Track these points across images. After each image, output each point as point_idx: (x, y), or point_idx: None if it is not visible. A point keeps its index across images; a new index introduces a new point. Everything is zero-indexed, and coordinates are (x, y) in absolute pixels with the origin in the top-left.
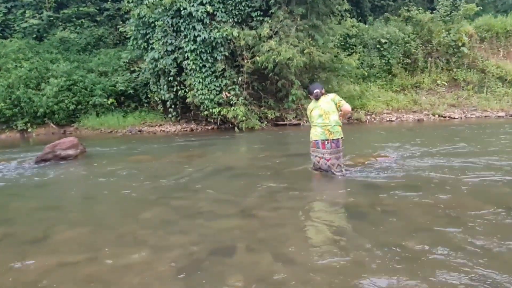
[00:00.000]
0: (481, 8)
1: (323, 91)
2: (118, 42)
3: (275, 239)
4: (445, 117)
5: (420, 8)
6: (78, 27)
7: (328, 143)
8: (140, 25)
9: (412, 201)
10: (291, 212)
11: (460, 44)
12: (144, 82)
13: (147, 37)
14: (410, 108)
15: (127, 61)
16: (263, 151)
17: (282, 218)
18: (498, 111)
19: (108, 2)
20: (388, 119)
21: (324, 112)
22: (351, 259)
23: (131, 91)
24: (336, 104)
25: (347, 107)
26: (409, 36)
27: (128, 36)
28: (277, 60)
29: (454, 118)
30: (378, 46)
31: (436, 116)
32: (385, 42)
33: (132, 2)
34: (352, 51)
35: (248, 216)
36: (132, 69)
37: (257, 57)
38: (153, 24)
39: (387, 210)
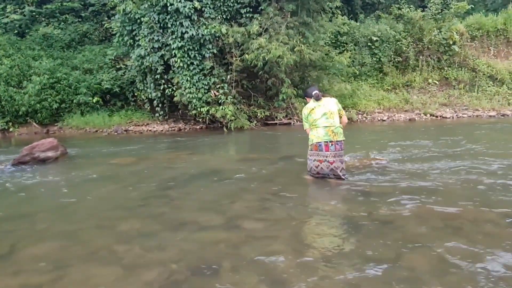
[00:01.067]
0: (472, 6)
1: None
2: (103, 38)
3: (262, 255)
4: (437, 116)
5: (411, 6)
6: (62, 23)
7: (332, 144)
8: (126, 21)
9: (410, 209)
10: (280, 223)
11: (451, 43)
12: (130, 80)
13: (133, 33)
14: (402, 107)
15: (113, 58)
16: (252, 153)
17: (270, 230)
18: (490, 111)
19: None
20: (379, 119)
21: (330, 112)
22: (346, 281)
23: (117, 89)
24: (339, 111)
25: (345, 118)
26: (400, 34)
27: (114, 32)
28: (267, 58)
29: (446, 117)
30: (369, 44)
31: (428, 115)
32: (376, 40)
33: None
34: (343, 49)
35: (234, 228)
36: (118, 66)
37: (246, 55)
38: (139, 20)
39: (383, 220)
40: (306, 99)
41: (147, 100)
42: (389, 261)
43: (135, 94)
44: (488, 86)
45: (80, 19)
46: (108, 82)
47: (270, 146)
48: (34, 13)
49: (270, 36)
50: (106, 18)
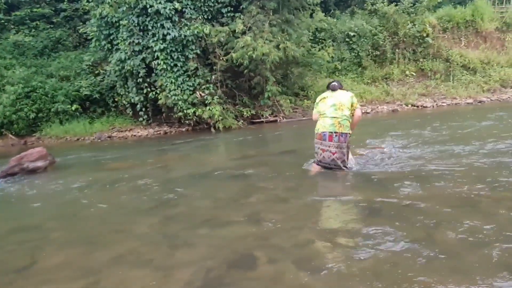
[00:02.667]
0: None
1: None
2: (78, 44)
3: (294, 245)
4: (417, 106)
5: (384, 0)
6: (33, 30)
7: (336, 136)
8: (103, 25)
9: (423, 192)
10: (300, 214)
11: (424, 35)
12: (110, 85)
13: (111, 37)
14: (383, 99)
15: (90, 63)
16: (248, 150)
17: (294, 220)
18: (467, 98)
19: (65, 3)
20: (363, 111)
21: (340, 103)
22: (386, 260)
23: (97, 96)
24: (352, 104)
25: (359, 112)
26: (376, 29)
27: (90, 37)
28: (253, 56)
29: (426, 107)
30: (347, 39)
31: (409, 106)
32: (354, 35)
33: (92, 1)
34: (322, 45)
35: (257, 221)
36: (96, 72)
37: (233, 54)
38: (117, 24)
39: (401, 204)
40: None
41: (129, 105)
42: (420, 240)
43: (116, 99)
44: (463, 75)
45: (52, 25)
46: (87, 89)
47: (264, 143)
48: (2, 21)
49: (255, 34)
50: (80, 23)
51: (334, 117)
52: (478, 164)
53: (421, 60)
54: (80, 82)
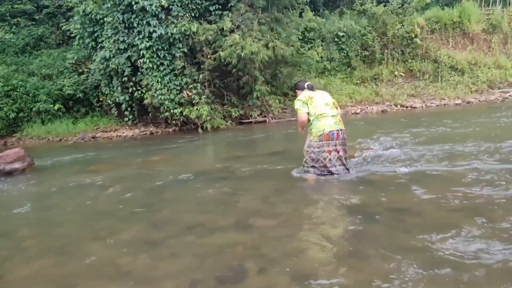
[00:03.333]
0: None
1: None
2: (61, 42)
3: (285, 255)
4: (407, 107)
5: (373, 1)
6: (14, 27)
7: (341, 133)
8: (86, 22)
9: (420, 195)
10: (292, 219)
11: (413, 36)
12: (94, 84)
13: (95, 35)
14: (373, 100)
15: (74, 62)
16: (236, 152)
17: (285, 227)
18: (455, 99)
19: None
20: (353, 112)
21: (332, 102)
22: (384, 270)
23: (80, 95)
24: (334, 103)
25: (340, 111)
26: (365, 29)
27: (73, 35)
28: (242, 55)
29: (416, 107)
30: (336, 39)
31: (399, 106)
32: (343, 36)
33: None
34: (311, 45)
35: (246, 228)
36: (80, 70)
37: (221, 52)
38: (101, 21)
39: (398, 208)
40: (296, 92)
41: (113, 104)
42: (420, 248)
43: (100, 99)
44: (451, 76)
45: (34, 22)
46: (70, 88)
47: (252, 144)
48: None
49: (243, 33)
50: (63, 20)
51: (335, 115)
52: (474, 165)
53: (409, 60)
54: (63, 81)
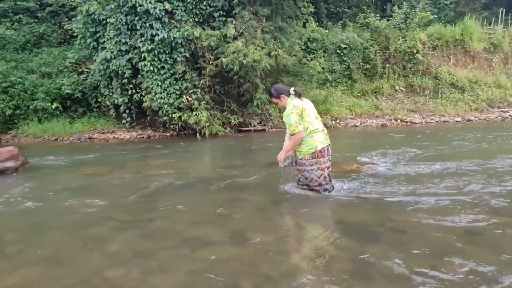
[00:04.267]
0: (435, 16)
1: None
2: (62, 40)
3: (283, 274)
4: (406, 122)
5: (377, 15)
6: (16, 23)
7: (330, 148)
8: (89, 22)
9: (422, 215)
10: (291, 235)
11: (415, 51)
12: (93, 84)
13: (97, 35)
14: (373, 113)
15: (74, 61)
16: (234, 160)
17: (283, 244)
18: (455, 116)
19: None
20: (352, 124)
21: (317, 113)
22: None
23: (79, 95)
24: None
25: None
26: (367, 42)
27: (75, 34)
28: (244, 62)
29: (415, 123)
30: (338, 51)
31: (398, 121)
32: (345, 48)
33: None
34: (313, 55)
35: (243, 242)
36: (80, 70)
37: (223, 59)
38: (104, 22)
39: (399, 229)
40: (281, 98)
41: (112, 106)
42: (423, 272)
43: (99, 99)
44: (451, 93)
45: (36, 20)
46: (69, 87)
47: (250, 153)
48: None
49: (246, 40)
50: (66, 19)
51: (323, 130)
52: (476, 186)
53: (410, 76)
54: (62, 80)
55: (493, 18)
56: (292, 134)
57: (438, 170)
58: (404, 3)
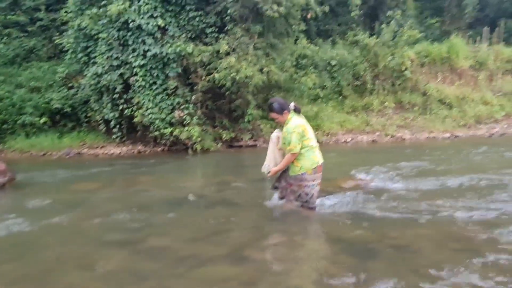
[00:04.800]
0: (425, 34)
1: None
2: (53, 55)
3: None
4: (396, 138)
5: (366, 32)
6: (6, 37)
7: (322, 164)
8: (81, 37)
9: (419, 231)
10: (289, 252)
11: (403, 68)
12: (84, 99)
13: (88, 50)
14: (363, 129)
15: (64, 76)
16: (227, 176)
17: (282, 261)
18: (444, 132)
19: (42, 12)
20: (344, 140)
21: (312, 129)
22: None
23: (69, 109)
24: None
25: None
26: (357, 59)
27: (66, 48)
28: (237, 78)
29: (405, 138)
30: (328, 67)
31: (389, 137)
32: (335, 64)
33: (71, 12)
34: (303, 71)
35: (240, 260)
36: (70, 85)
37: (215, 74)
38: (96, 37)
39: (398, 245)
40: (283, 114)
41: (102, 120)
42: None
43: (89, 114)
44: (439, 109)
45: (26, 34)
46: (58, 102)
47: (242, 168)
48: None
49: (239, 56)
50: (57, 34)
51: (317, 147)
52: (470, 202)
53: (399, 92)
54: (52, 94)
55: (478, 37)
56: (289, 153)
57: (434, 186)
58: (393, 21)
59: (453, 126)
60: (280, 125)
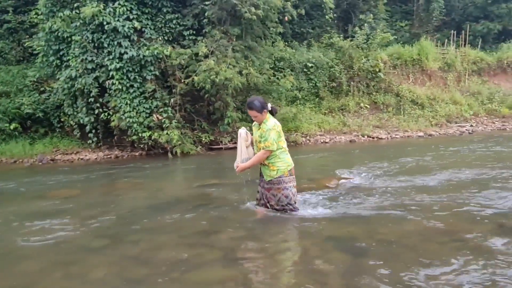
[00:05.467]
0: (395, 37)
1: None
2: (22, 58)
3: None
4: (373, 137)
5: (340, 35)
6: None
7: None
8: (52, 39)
9: (407, 226)
10: (282, 253)
11: (377, 70)
12: (56, 104)
13: (61, 53)
14: (340, 130)
15: (35, 80)
16: (209, 178)
17: (275, 261)
18: (417, 131)
19: (9, 14)
20: (322, 141)
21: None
22: None
23: (40, 114)
24: None
25: None
26: (332, 61)
27: (36, 51)
28: (217, 80)
29: (381, 138)
30: (305, 70)
31: (366, 137)
32: (312, 66)
33: (41, 14)
34: (281, 74)
35: (234, 262)
36: (41, 89)
37: (195, 77)
38: (68, 39)
39: (387, 240)
40: (263, 113)
41: (76, 125)
42: (415, 283)
43: (62, 119)
44: (412, 110)
45: None
46: (29, 107)
47: (223, 171)
48: None
49: (218, 59)
50: (26, 36)
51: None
52: (453, 196)
53: (374, 93)
54: (22, 99)
55: (445, 40)
56: (264, 150)
57: (416, 182)
58: (366, 24)
59: (426, 125)
60: (257, 124)
